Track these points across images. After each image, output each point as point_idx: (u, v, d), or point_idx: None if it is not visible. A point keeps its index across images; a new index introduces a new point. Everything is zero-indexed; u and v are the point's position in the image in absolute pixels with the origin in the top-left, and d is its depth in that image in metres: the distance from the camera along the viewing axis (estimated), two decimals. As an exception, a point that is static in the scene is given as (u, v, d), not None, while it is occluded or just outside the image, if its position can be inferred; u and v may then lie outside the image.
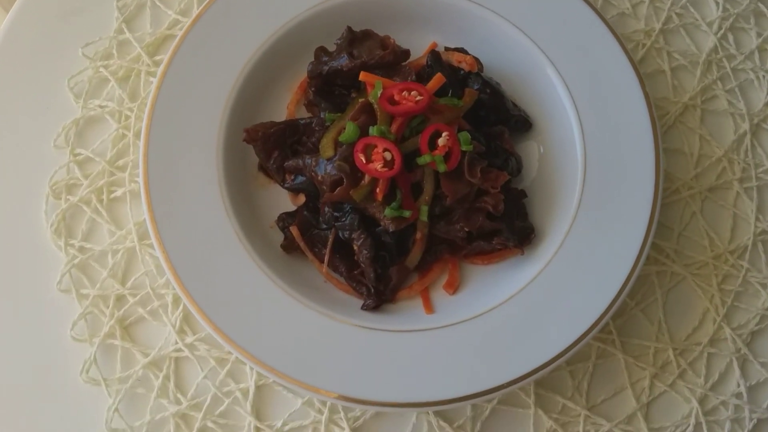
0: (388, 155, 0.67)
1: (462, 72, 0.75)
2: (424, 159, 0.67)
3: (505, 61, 0.78)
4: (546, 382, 0.73)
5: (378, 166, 0.67)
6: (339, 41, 0.76)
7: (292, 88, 0.79)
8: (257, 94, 0.77)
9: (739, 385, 0.74)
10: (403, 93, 0.68)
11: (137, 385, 0.72)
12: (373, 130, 0.67)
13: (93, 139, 0.81)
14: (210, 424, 0.71)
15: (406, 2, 0.79)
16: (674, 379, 0.74)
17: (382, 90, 0.69)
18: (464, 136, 0.67)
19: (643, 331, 0.75)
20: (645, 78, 0.77)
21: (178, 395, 0.72)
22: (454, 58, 0.75)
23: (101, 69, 0.83)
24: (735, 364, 0.74)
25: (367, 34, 0.76)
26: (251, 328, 0.67)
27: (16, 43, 0.84)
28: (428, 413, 0.71)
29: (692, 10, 0.86)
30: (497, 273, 0.73)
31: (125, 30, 0.84)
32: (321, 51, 0.76)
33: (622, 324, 0.75)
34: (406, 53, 0.75)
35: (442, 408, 0.66)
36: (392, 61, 0.74)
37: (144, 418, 0.71)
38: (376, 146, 0.67)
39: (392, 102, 0.68)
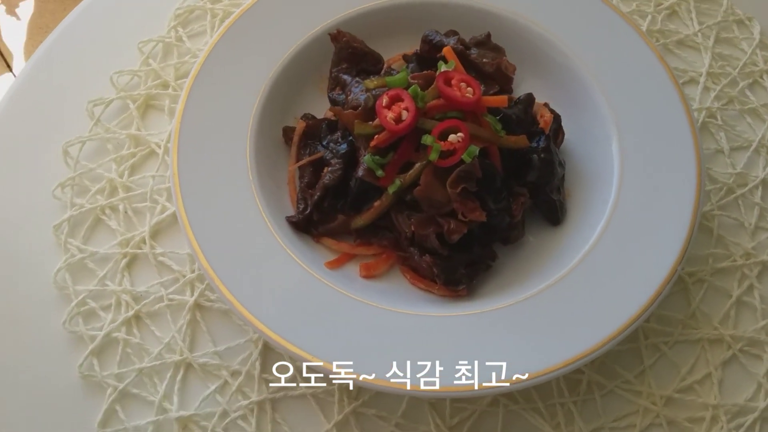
0: (404, 114, 0.67)
1: (535, 126, 0.72)
2: (427, 139, 0.66)
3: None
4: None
5: (389, 116, 0.67)
6: (475, 36, 0.77)
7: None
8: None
9: None
10: (461, 84, 0.68)
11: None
12: (413, 88, 0.67)
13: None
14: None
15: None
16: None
17: (447, 68, 0.69)
18: (472, 149, 0.65)
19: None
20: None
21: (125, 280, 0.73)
22: (539, 111, 0.73)
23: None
24: None
25: (497, 47, 0.77)
26: (214, 226, 0.67)
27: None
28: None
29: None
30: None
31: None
32: (453, 32, 0.77)
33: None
34: (508, 80, 0.75)
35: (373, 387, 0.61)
36: (490, 74, 0.74)
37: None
38: (402, 101, 0.67)
39: (447, 83, 0.68)
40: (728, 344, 0.69)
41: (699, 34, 0.88)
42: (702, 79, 0.84)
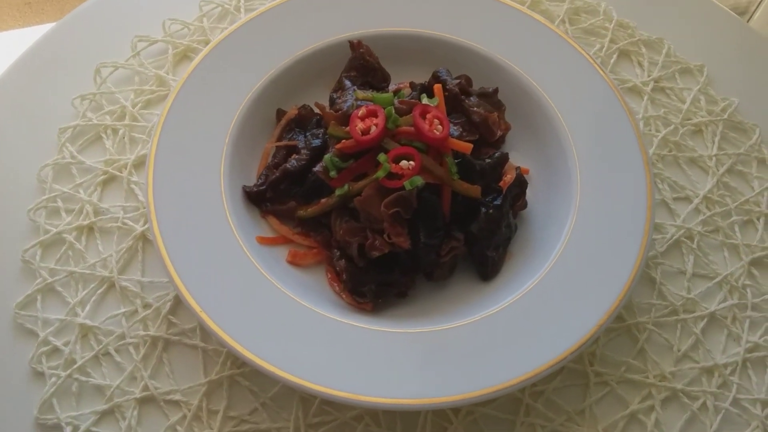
0: (372, 129, 0.70)
1: (495, 185, 0.74)
2: (381, 157, 0.69)
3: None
4: None
5: (359, 125, 0.71)
6: (484, 87, 0.81)
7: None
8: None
9: None
10: (434, 120, 0.71)
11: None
12: (388, 109, 0.71)
13: None
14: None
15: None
16: None
17: (429, 103, 0.72)
18: (415, 180, 0.68)
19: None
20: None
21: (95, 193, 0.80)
22: (508, 170, 0.75)
23: None
24: None
25: (498, 103, 0.80)
26: (174, 169, 0.73)
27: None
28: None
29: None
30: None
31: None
32: (464, 77, 0.81)
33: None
34: (492, 134, 0.77)
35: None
36: (476, 123, 0.76)
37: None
38: (376, 117, 0.71)
39: (421, 115, 0.71)
40: (603, 452, 0.69)
41: (714, 158, 0.87)
42: (696, 201, 0.83)
